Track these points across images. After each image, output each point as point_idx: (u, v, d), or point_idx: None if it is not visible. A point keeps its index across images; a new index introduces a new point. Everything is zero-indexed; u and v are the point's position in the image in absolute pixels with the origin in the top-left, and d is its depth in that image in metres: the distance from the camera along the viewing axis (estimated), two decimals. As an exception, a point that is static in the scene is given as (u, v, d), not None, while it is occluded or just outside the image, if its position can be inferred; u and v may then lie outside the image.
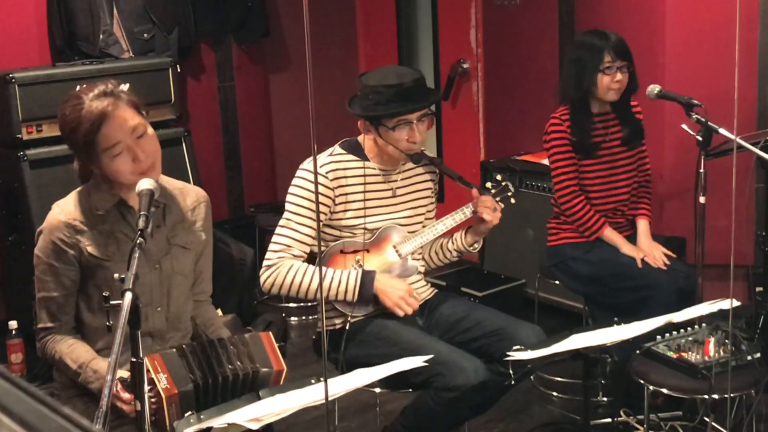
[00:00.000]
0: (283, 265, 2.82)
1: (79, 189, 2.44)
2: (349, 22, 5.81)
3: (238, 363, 2.31)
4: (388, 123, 2.86)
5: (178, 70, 4.67)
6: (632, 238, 3.55)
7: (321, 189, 2.84)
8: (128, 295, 1.84)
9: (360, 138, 3.00)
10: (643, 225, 3.58)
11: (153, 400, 2.17)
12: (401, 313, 2.87)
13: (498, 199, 2.97)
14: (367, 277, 2.84)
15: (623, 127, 3.55)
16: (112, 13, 4.73)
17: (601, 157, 3.53)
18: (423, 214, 3.06)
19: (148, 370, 2.14)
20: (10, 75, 4.07)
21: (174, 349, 2.28)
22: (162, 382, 2.17)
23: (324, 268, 2.86)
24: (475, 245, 3.03)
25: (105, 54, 4.66)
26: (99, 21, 4.68)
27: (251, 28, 5.50)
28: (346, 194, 2.90)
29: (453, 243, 3.05)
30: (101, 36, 4.68)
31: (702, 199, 3.16)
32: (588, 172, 3.53)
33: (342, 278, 2.83)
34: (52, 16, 4.59)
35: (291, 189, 2.89)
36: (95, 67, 4.32)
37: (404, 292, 2.86)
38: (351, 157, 2.95)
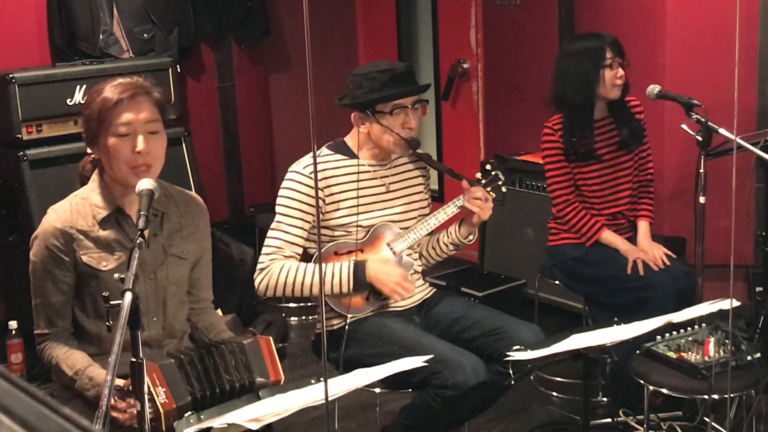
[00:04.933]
0: (275, 266, 2.83)
1: (76, 193, 2.42)
2: (349, 22, 5.80)
3: (236, 373, 2.31)
4: (384, 108, 2.88)
5: (178, 70, 4.67)
6: (633, 240, 3.55)
7: (307, 190, 2.85)
8: (128, 295, 1.84)
9: (347, 137, 3.01)
10: (643, 227, 3.57)
11: (150, 411, 2.16)
12: (399, 299, 2.89)
13: (489, 189, 2.97)
14: (360, 267, 2.85)
15: (621, 131, 3.54)
16: (112, 13, 4.73)
17: (602, 163, 3.52)
18: (417, 209, 3.06)
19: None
20: (10, 75, 4.07)
21: (172, 360, 2.27)
22: (161, 396, 2.16)
23: (313, 266, 2.86)
24: (470, 237, 3.03)
25: (105, 54, 4.66)
26: (99, 21, 4.68)
27: (251, 28, 5.50)
28: (334, 193, 2.91)
29: (448, 236, 3.05)
30: (101, 36, 4.68)
31: (702, 199, 3.16)
32: (589, 178, 3.52)
33: (335, 271, 2.84)
34: (52, 16, 4.59)
35: (280, 192, 2.90)
36: (95, 67, 4.32)
37: (399, 277, 2.86)
38: (338, 156, 2.97)
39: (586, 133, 3.45)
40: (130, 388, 2.08)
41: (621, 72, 3.40)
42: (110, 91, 2.31)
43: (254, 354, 2.34)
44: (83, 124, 2.37)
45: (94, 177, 2.41)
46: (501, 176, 3.00)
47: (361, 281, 2.84)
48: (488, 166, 3.02)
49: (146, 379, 2.12)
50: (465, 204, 2.94)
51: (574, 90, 3.43)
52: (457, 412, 2.78)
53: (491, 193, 2.97)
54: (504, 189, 3.01)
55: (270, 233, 2.88)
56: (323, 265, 2.86)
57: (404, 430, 2.86)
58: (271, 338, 2.42)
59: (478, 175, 3.00)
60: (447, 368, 2.66)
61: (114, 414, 2.19)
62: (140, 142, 2.29)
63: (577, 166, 3.50)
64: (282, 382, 2.35)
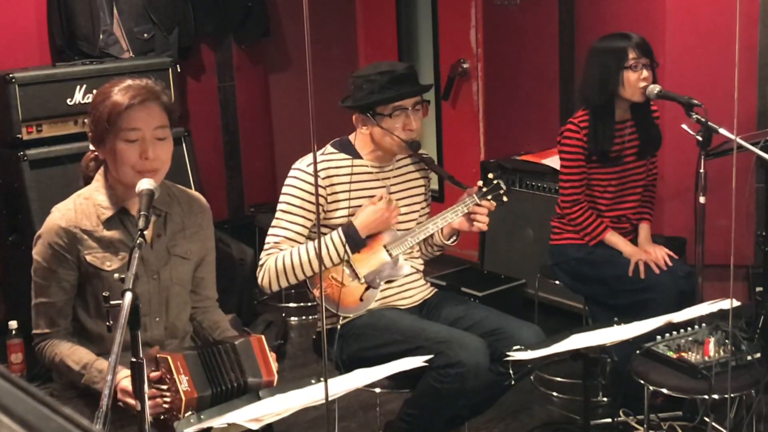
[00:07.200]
0: (271, 258, 2.84)
1: (80, 192, 2.41)
2: (349, 22, 5.81)
3: (230, 373, 2.31)
4: (384, 111, 2.87)
5: (178, 70, 4.66)
6: (634, 242, 3.54)
7: (309, 188, 2.85)
8: (128, 295, 1.84)
9: (351, 136, 3.01)
10: (645, 229, 3.57)
11: (169, 399, 2.17)
12: (395, 222, 2.92)
13: (490, 197, 2.96)
14: (348, 226, 2.86)
15: (640, 136, 3.51)
16: (112, 13, 4.73)
17: (619, 165, 3.50)
18: (417, 211, 3.07)
19: (170, 370, 2.15)
20: (10, 75, 4.07)
21: (195, 352, 2.28)
22: (183, 384, 2.18)
23: (305, 244, 2.86)
24: (453, 238, 3.04)
25: (105, 54, 4.66)
26: (99, 21, 4.68)
27: (251, 28, 5.50)
28: (337, 192, 2.91)
29: (431, 239, 3.07)
30: (101, 36, 4.68)
31: (702, 199, 3.16)
32: (604, 179, 3.50)
33: (327, 242, 2.86)
34: (52, 16, 4.59)
35: (283, 189, 2.91)
36: (95, 67, 4.32)
37: (381, 209, 2.88)
38: (343, 155, 2.96)
39: (607, 134, 3.42)
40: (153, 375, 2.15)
41: (645, 74, 3.35)
42: (120, 94, 2.30)
43: (245, 354, 2.34)
44: (90, 124, 2.36)
45: (98, 177, 2.41)
46: (503, 185, 2.98)
47: (354, 237, 2.85)
48: (490, 175, 3.01)
49: (171, 366, 2.14)
50: (472, 216, 2.93)
51: (596, 90, 3.41)
52: (461, 394, 2.74)
53: (492, 201, 2.95)
54: (506, 199, 2.99)
55: (271, 230, 2.89)
56: (311, 243, 2.86)
57: (408, 420, 2.85)
58: (263, 337, 2.41)
59: (480, 182, 2.99)
60: (450, 348, 2.66)
61: (128, 400, 2.18)
62: (150, 150, 2.30)
63: (594, 167, 3.49)
64: (275, 382, 2.34)
